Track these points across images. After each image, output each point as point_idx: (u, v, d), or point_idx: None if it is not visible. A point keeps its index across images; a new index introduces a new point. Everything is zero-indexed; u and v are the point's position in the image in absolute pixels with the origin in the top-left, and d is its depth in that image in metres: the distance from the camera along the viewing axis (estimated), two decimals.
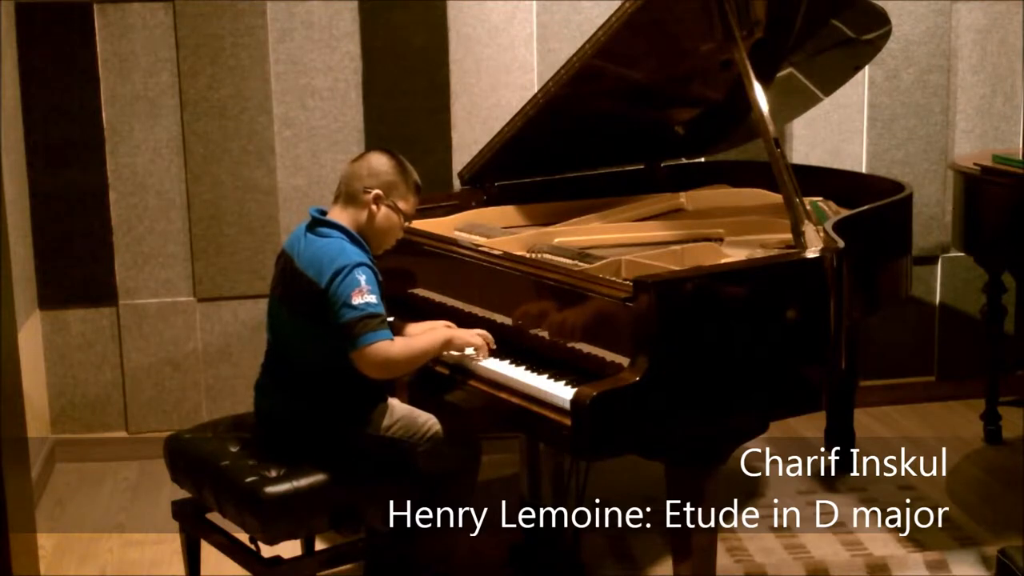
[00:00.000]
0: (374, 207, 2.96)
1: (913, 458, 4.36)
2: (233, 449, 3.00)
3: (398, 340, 2.86)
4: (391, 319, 2.90)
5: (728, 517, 3.82)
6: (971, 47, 4.72)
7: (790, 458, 4.33)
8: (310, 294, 2.84)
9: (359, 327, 2.77)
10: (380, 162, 2.99)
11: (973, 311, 4.67)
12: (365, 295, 2.78)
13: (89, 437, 4.47)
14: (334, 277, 2.80)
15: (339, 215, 2.97)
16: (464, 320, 3.09)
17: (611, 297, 2.67)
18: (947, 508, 3.88)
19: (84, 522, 3.97)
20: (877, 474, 4.16)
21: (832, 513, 3.85)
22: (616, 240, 3.36)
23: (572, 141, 3.67)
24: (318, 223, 2.95)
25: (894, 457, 4.35)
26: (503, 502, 3.81)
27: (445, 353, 2.95)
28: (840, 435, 4.22)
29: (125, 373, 4.44)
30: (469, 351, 2.92)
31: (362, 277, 2.80)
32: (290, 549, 2.94)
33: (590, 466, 3.19)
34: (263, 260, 4.39)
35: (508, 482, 3.91)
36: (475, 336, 2.93)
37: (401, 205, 2.99)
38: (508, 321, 2.99)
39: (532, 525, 3.37)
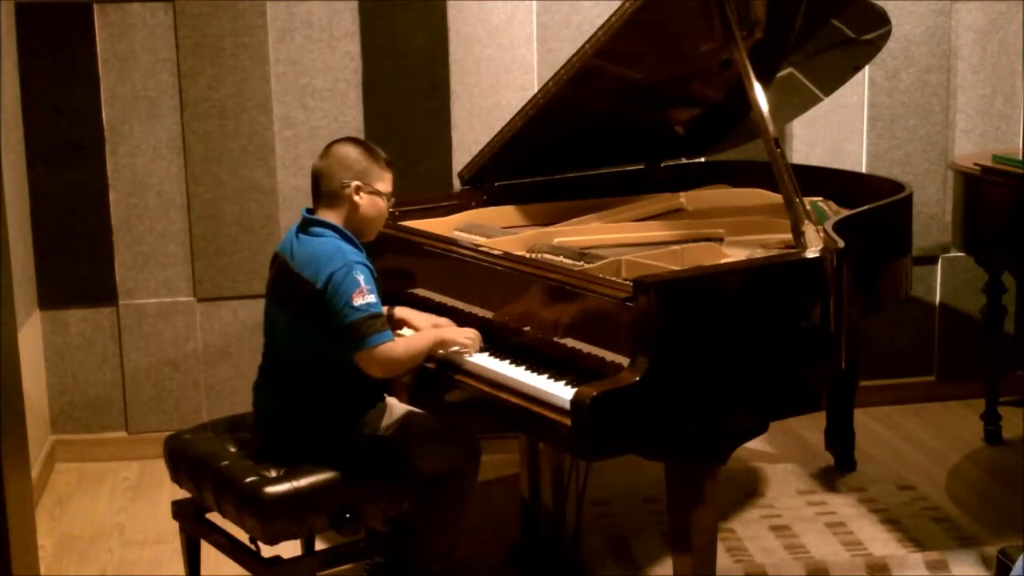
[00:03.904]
0: (357, 198, 2.96)
1: (913, 458, 4.38)
2: (233, 449, 3.00)
3: (399, 341, 2.87)
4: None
5: (728, 517, 3.82)
6: (971, 47, 4.72)
7: (790, 458, 4.35)
8: (306, 295, 2.84)
9: (364, 328, 2.77)
10: (346, 152, 2.98)
11: (973, 311, 4.67)
12: (366, 295, 2.79)
13: (89, 437, 4.47)
14: (331, 277, 2.80)
15: (327, 214, 2.97)
16: (464, 321, 3.09)
17: (611, 297, 2.67)
18: (947, 508, 3.89)
19: (84, 522, 3.97)
20: (877, 474, 4.18)
21: (832, 513, 3.86)
22: (616, 240, 3.36)
23: (572, 141, 3.67)
24: (310, 223, 2.95)
25: (894, 457, 4.37)
26: (503, 502, 3.82)
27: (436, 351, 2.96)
28: (840, 435, 4.22)
29: (125, 373, 4.44)
30: (458, 348, 2.93)
31: (360, 277, 2.81)
32: (290, 549, 2.95)
33: (590, 466, 3.19)
34: (263, 260, 4.39)
35: (508, 482, 3.91)
36: (466, 338, 2.94)
37: (380, 187, 2.99)
38: (508, 321, 2.99)
39: (532, 525, 3.37)
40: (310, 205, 3.03)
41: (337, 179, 2.95)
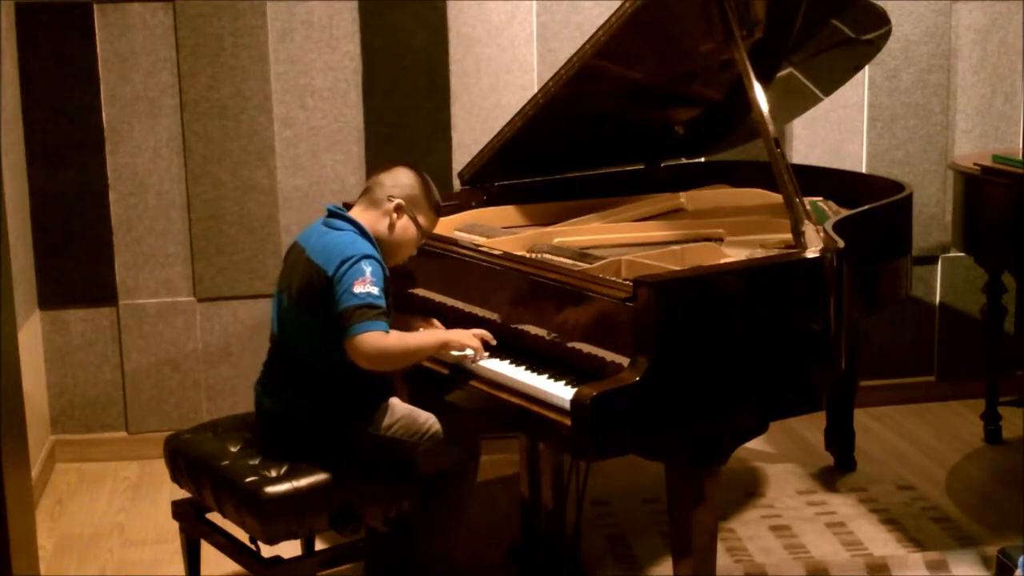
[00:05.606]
0: (395, 215, 2.98)
1: (913, 458, 4.38)
2: (233, 449, 3.00)
3: (393, 334, 2.85)
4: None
5: (728, 517, 3.82)
6: (971, 47, 4.72)
7: (790, 458, 4.35)
8: (318, 283, 2.85)
9: (356, 315, 2.77)
10: (406, 176, 3.04)
11: (973, 311, 4.67)
12: (368, 285, 2.79)
13: (89, 437, 4.47)
14: (341, 265, 2.82)
15: (359, 214, 3.00)
16: (464, 320, 3.10)
17: (611, 297, 2.67)
18: (947, 508, 3.89)
19: (84, 522, 3.97)
20: (877, 474, 4.18)
21: (832, 513, 3.86)
22: (616, 240, 3.36)
23: (572, 141, 3.67)
24: (334, 216, 2.97)
25: (894, 457, 4.37)
26: (503, 502, 3.82)
27: (443, 353, 2.95)
28: (840, 435, 4.22)
29: (125, 373, 4.44)
30: (468, 352, 2.92)
31: (368, 268, 2.81)
32: (290, 549, 2.95)
33: (590, 466, 3.19)
34: (263, 260, 4.40)
35: (508, 482, 3.91)
36: (472, 339, 2.93)
37: (420, 220, 3.02)
38: (508, 321, 2.99)
39: (532, 525, 3.37)
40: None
41: (386, 191, 3.00)
